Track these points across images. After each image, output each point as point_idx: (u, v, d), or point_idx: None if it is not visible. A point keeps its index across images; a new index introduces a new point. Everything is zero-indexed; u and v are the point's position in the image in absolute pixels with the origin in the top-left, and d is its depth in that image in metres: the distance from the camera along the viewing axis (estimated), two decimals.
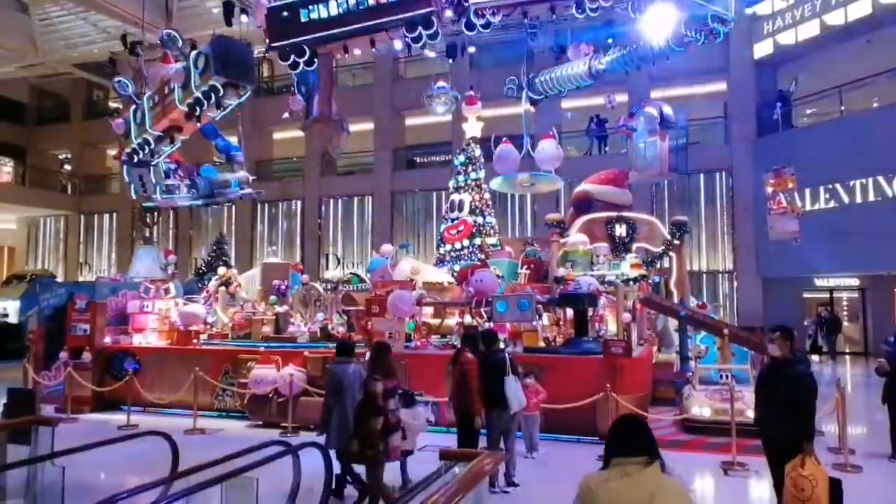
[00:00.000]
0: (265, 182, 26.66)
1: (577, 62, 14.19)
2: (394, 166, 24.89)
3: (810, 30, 19.22)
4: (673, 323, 11.91)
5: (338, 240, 25.37)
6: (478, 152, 14.58)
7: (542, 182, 9.54)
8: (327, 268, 23.57)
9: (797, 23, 19.66)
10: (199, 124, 8.57)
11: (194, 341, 10.04)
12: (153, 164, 9.75)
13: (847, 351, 20.20)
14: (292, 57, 8.43)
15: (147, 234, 20.87)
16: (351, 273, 12.69)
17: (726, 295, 20.95)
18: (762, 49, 20.57)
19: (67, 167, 31.67)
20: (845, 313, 21.20)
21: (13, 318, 19.88)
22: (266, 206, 26.66)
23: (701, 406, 7.59)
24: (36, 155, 31.23)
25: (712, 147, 21.20)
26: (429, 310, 10.24)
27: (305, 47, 8.40)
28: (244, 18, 18.66)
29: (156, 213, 22.32)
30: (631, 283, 11.28)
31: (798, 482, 4.46)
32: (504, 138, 11.10)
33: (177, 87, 7.97)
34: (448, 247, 13.85)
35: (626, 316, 8.79)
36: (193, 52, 8.13)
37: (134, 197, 11.18)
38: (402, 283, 9.71)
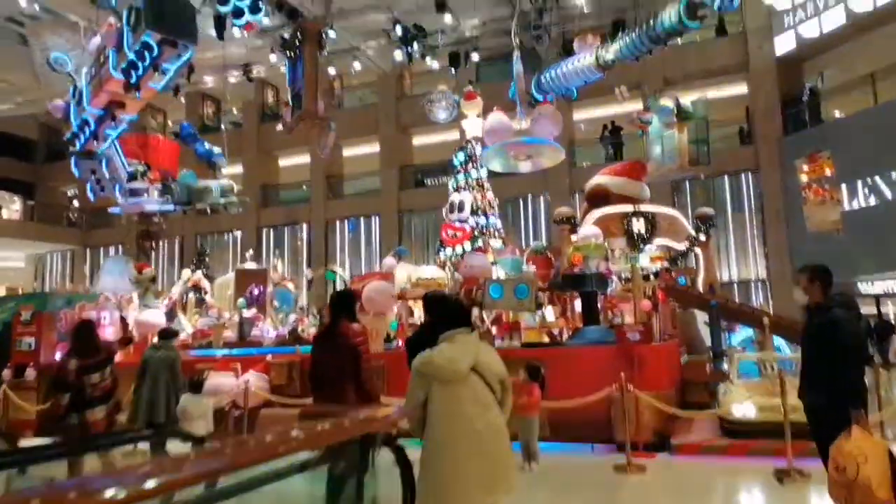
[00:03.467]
0: (272, 208, 26.09)
1: (583, 54, 13.19)
2: (400, 185, 23.92)
3: (835, 19, 17.96)
4: (704, 327, 10.43)
5: (345, 262, 24.28)
6: (479, 150, 13.46)
7: (542, 152, 8.24)
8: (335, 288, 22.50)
9: (820, 12, 18.43)
10: (138, 95, 7.58)
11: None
12: (100, 151, 8.77)
13: None
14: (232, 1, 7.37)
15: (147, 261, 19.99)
16: (327, 268, 11.50)
17: (761, 305, 19.23)
18: (784, 44, 19.31)
19: (76, 203, 31.41)
20: (894, 322, 19.25)
21: None
22: (272, 231, 25.91)
23: (742, 402, 6.09)
24: (44, 191, 31.07)
25: (736, 149, 19.87)
26: (417, 312, 8.94)
27: None
28: (236, 33, 18.22)
29: (156, 241, 21.44)
30: (652, 277, 9.88)
31: (838, 462, 3.09)
32: (495, 107, 9.94)
33: (111, 51, 7.02)
34: (448, 250, 12.62)
35: (646, 304, 7.40)
36: (126, 9, 7.19)
37: (91, 199, 10.23)
38: (382, 274, 8.48)
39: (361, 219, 24.41)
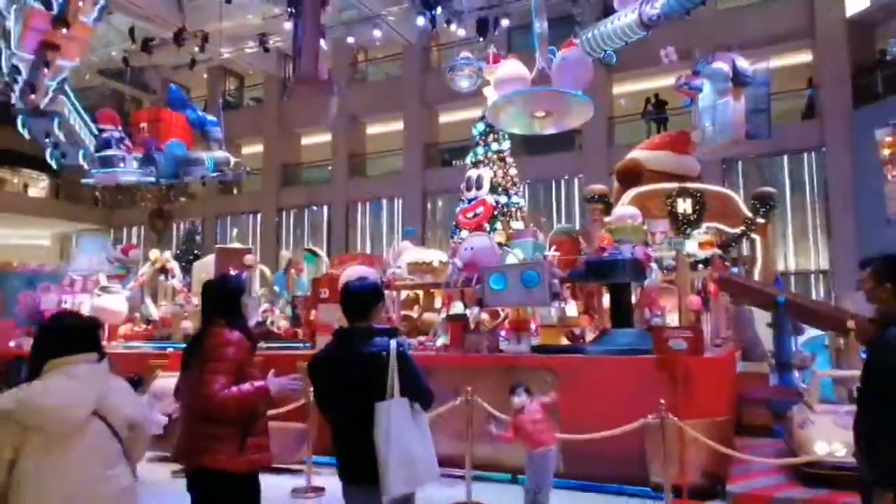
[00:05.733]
0: (292, 188, 25.05)
1: (624, 11, 11.48)
2: (425, 164, 22.49)
3: None
4: (764, 328, 8.71)
5: (367, 245, 23.10)
6: None
7: (566, 106, 6.63)
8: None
9: None
10: (67, 31, 6.31)
11: (104, 343, 7.70)
12: (44, 106, 7.57)
13: None
14: None
15: (158, 241, 19.18)
16: (306, 249, 10.18)
17: (822, 301, 17.22)
18: (856, 3, 17.05)
19: None
20: None
21: None
22: (292, 212, 24.92)
23: (830, 440, 4.46)
24: (72, 171, 30.77)
25: (797, 125, 17.76)
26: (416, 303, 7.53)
27: None
28: None
29: (169, 220, 20.62)
30: (701, 266, 8.22)
31: None
32: (510, 56, 8.42)
33: None
34: (464, 234, 11.12)
35: (695, 300, 5.81)
36: None
37: (54, 165, 9.13)
38: (366, 257, 7.11)
39: (384, 200, 23.14)
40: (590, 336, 6.06)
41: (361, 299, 2.62)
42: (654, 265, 5.86)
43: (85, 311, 8.16)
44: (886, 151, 10.88)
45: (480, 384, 5.03)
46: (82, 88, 26.32)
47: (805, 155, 17.46)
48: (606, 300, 6.27)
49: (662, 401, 4.13)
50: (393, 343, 2.50)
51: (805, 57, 18.24)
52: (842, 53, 17.04)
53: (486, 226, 9.86)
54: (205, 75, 25.77)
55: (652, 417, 4.20)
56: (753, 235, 10.43)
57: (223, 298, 2.94)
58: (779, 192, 16.98)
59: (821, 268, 17.20)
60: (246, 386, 2.71)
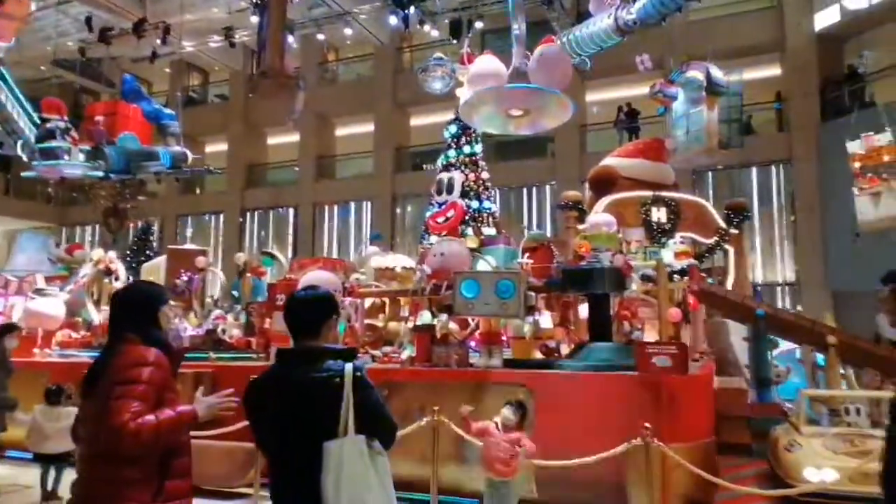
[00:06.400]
0: (259, 188, 24.30)
1: (600, 16, 11.28)
2: (396, 167, 22.04)
3: None
4: (739, 342, 8.49)
5: (333, 249, 22.50)
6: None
7: (543, 105, 6.35)
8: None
9: None
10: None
11: (36, 351, 7.06)
12: None
13: None
14: None
15: (113, 242, 18.27)
16: (263, 252, 9.67)
17: (801, 314, 17.31)
18: (825, 18, 17.27)
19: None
20: None
21: None
22: (256, 214, 24.17)
23: (820, 465, 4.17)
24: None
25: (765, 136, 17.90)
26: (384, 311, 7.08)
27: None
28: None
29: (124, 219, 19.66)
30: (676, 277, 7.95)
31: None
32: (486, 50, 8.12)
33: None
34: (434, 238, 10.71)
35: (675, 312, 5.52)
36: None
37: None
38: (327, 261, 6.68)
39: (353, 203, 22.59)
40: (565, 349, 5.72)
41: (309, 312, 2.17)
42: (634, 276, 5.56)
43: (17, 314, 7.51)
44: (857, 164, 10.82)
45: (448, 401, 4.63)
46: (36, 80, 25.25)
47: (773, 167, 17.59)
48: (582, 311, 5.93)
49: (647, 424, 3.79)
50: (349, 367, 2.04)
51: (774, 70, 18.41)
52: (811, 67, 17.26)
53: (469, 230, 9.50)
54: (167, 69, 24.90)
55: (635, 441, 3.85)
56: (727, 246, 10.30)
57: (135, 309, 2.44)
58: (747, 203, 17.15)
59: (787, 280, 17.29)
60: (167, 412, 2.23)
